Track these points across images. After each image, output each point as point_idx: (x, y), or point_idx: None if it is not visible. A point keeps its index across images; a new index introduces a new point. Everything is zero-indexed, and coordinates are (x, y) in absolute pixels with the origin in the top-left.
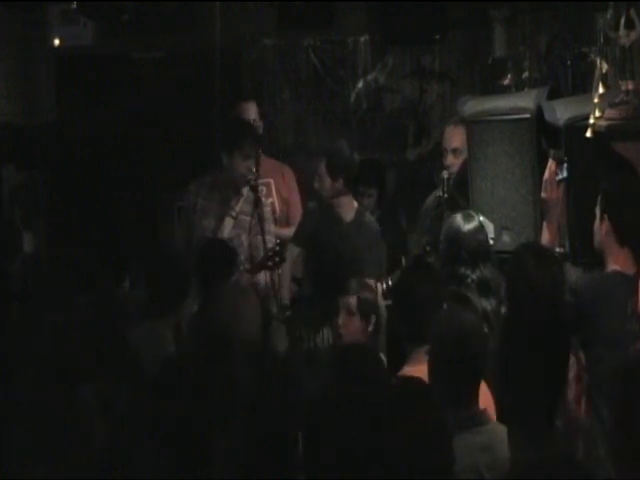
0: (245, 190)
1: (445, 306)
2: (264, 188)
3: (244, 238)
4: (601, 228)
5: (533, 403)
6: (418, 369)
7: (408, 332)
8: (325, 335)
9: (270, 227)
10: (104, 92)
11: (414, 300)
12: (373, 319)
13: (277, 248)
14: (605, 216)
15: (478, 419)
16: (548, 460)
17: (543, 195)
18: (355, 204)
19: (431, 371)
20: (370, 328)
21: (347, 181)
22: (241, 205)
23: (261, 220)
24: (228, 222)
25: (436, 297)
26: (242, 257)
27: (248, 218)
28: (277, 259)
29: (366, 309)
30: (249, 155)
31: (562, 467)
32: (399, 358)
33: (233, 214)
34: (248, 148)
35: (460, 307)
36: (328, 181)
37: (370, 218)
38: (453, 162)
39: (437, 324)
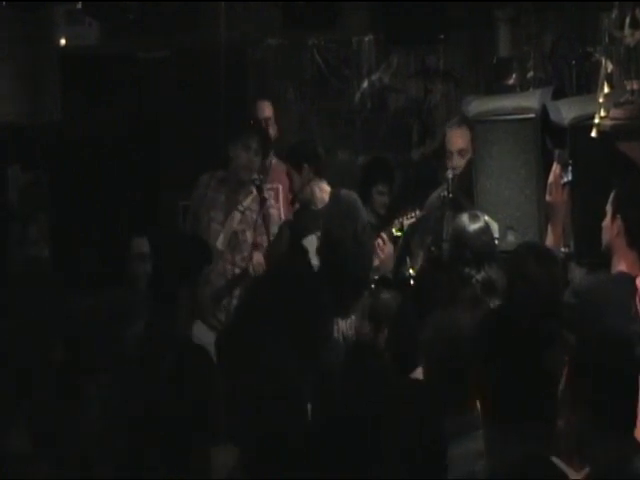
0: (254, 188)
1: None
2: (272, 193)
3: (249, 234)
4: (612, 228)
5: (520, 403)
6: None
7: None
8: (338, 328)
9: (275, 229)
10: (109, 92)
11: (431, 301)
12: (385, 328)
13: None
14: (618, 217)
15: (475, 423)
16: (526, 460)
17: (548, 198)
18: (328, 188)
19: (427, 374)
20: (382, 335)
21: (315, 168)
22: (249, 202)
23: (266, 220)
24: (235, 216)
25: (452, 298)
26: (245, 253)
27: (255, 216)
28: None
29: (378, 316)
30: (250, 146)
31: (539, 467)
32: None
33: (241, 209)
34: (249, 139)
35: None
36: (295, 174)
37: (346, 192)
38: (460, 164)
39: (432, 327)
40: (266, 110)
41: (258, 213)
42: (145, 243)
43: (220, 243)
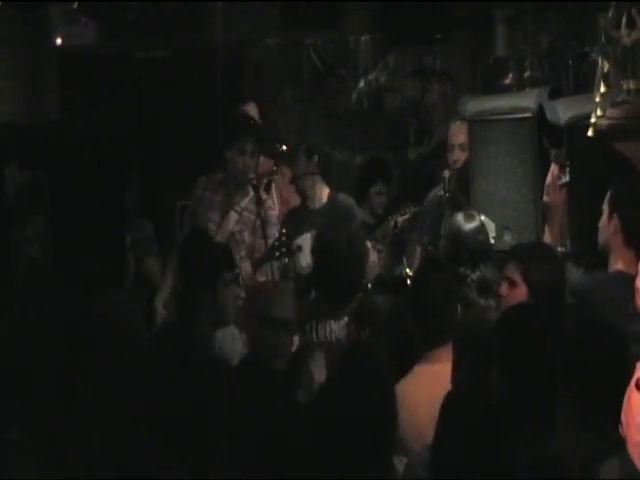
0: (251, 188)
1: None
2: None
3: (246, 235)
4: (609, 227)
5: (531, 402)
6: (432, 368)
7: (421, 332)
8: (330, 329)
9: (273, 231)
10: (106, 92)
11: (428, 300)
12: (368, 328)
13: (283, 238)
14: (614, 215)
15: None
16: (538, 459)
17: (545, 199)
18: (327, 189)
19: (457, 366)
20: (364, 335)
21: (320, 164)
22: (247, 203)
23: (263, 222)
24: (232, 216)
25: (449, 297)
26: (243, 253)
27: (253, 217)
28: (284, 249)
29: (362, 317)
30: (245, 150)
31: (551, 466)
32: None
33: (238, 209)
34: (244, 143)
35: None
36: (303, 159)
37: (343, 196)
38: (460, 157)
39: (464, 320)
40: (251, 112)
41: (256, 214)
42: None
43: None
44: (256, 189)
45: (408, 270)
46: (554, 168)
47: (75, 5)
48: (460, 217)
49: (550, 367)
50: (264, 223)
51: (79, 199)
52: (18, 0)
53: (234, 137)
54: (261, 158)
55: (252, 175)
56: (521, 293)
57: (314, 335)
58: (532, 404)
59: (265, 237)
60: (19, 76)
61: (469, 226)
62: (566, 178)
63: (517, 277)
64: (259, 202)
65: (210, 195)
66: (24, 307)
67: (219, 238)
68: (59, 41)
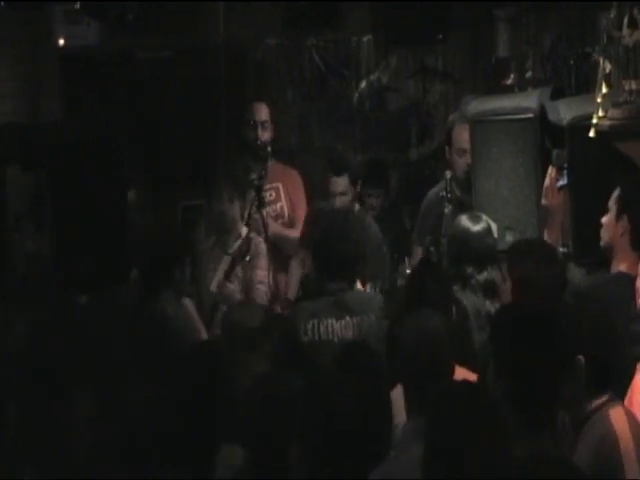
0: (243, 231)
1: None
2: (273, 192)
3: (238, 269)
4: (616, 228)
5: (526, 401)
6: None
7: None
8: (330, 328)
9: (263, 261)
10: (109, 92)
11: (423, 301)
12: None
13: (244, 239)
14: (624, 217)
15: None
16: (538, 459)
17: (544, 202)
18: (356, 206)
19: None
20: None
21: (353, 183)
22: (239, 244)
23: (265, 226)
24: (225, 259)
25: (444, 298)
26: (239, 288)
27: (244, 253)
28: (244, 248)
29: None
30: (232, 198)
31: (551, 466)
32: None
33: (229, 251)
34: (230, 192)
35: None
36: (352, 188)
37: (371, 221)
38: (466, 161)
39: (400, 329)
40: (262, 113)
41: (247, 253)
42: None
43: (213, 286)
44: (259, 189)
45: (409, 270)
46: (552, 171)
47: (78, 5)
48: (466, 218)
49: (549, 366)
50: (265, 226)
51: (81, 199)
52: (20, 0)
53: (217, 187)
54: (273, 164)
55: (254, 176)
56: (507, 288)
57: (316, 335)
58: (531, 404)
59: (265, 232)
60: (21, 76)
61: (476, 228)
62: (564, 181)
63: (506, 272)
64: (261, 202)
65: (205, 246)
66: (23, 307)
67: (215, 280)
68: (61, 41)
